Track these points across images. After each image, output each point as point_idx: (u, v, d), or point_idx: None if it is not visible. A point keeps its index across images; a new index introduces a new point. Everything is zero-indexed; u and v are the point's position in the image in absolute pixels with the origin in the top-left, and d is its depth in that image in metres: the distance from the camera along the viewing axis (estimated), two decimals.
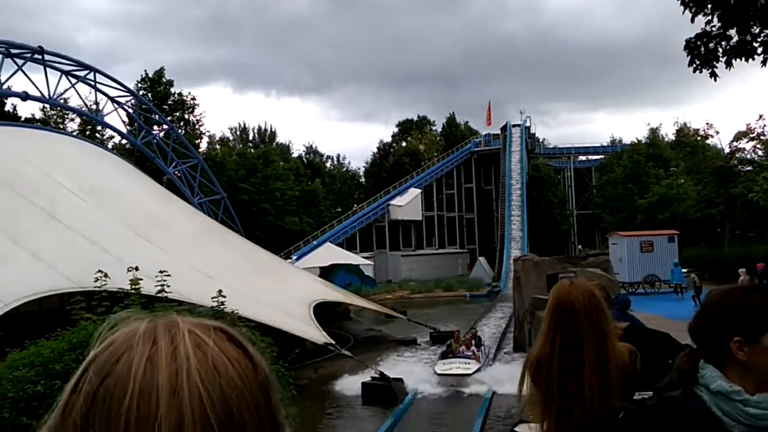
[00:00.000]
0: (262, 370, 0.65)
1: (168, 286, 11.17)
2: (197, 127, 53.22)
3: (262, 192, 48.95)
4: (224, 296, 11.43)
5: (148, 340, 0.63)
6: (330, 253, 46.74)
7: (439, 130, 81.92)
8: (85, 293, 11.36)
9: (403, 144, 76.09)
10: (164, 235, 21.46)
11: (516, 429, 2.85)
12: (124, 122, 35.81)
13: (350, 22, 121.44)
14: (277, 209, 49.94)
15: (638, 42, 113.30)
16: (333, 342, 18.93)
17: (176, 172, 34.84)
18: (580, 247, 62.01)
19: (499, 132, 68.18)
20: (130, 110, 35.40)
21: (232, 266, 21.68)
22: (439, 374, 18.37)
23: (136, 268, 10.82)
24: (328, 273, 41.04)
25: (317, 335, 18.91)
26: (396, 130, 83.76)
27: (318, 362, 20.93)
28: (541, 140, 75.08)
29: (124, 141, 41.26)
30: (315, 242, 51.16)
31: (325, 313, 26.14)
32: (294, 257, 45.57)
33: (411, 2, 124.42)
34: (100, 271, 10.40)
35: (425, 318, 30.76)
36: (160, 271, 11.31)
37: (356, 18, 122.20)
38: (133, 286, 10.42)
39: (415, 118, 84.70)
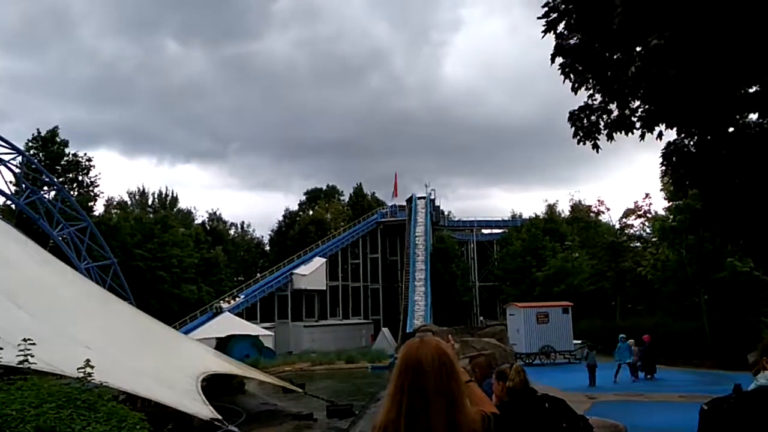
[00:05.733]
0: None
1: (32, 356, 10.50)
2: (92, 189, 50.95)
3: (158, 258, 46.99)
4: (92, 366, 10.49)
5: None
6: (228, 324, 45.06)
7: (347, 200, 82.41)
8: None
9: (310, 212, 75.81)
10: (40, 301, 19.86)
11: None
12: (9, 182, 33.78)
13: (246, 92, 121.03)
14: (174, 277, 47.98)
15: (530, 124, 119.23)
16: (220, 417, 17.75)
17: (63, 236, 32.92)
18: (481, 318, 62.79)
19: (405, 203, 69.23)
20: (17, 170, 33.41)
21: (114, 335, 20.30)
22: None
23: None
24: (225, 344, 39.50)
25: (203, 410, 17.70)
26: (304, 198, 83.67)
27: None
28: (446, 213, 76.74)
29: (10, 201, 38.86)
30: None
31: (218, 386, 24.79)
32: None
33: (308, 75, 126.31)
34: None
35: (324, 391, 29.82)
36: (24, 339, 10.48)
37: (252, 87, 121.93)
38: None
39: (324, 188, 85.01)
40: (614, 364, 24.66)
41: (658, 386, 22.67)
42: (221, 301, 48.28)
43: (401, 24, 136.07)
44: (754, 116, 10.15)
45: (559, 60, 8.98)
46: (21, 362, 10.35)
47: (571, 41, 8.83)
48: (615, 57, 8.87)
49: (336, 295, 65.20)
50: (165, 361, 20.68)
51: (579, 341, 32.62)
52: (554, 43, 8.92)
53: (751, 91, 9.27)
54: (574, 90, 9.30)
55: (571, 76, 8.99)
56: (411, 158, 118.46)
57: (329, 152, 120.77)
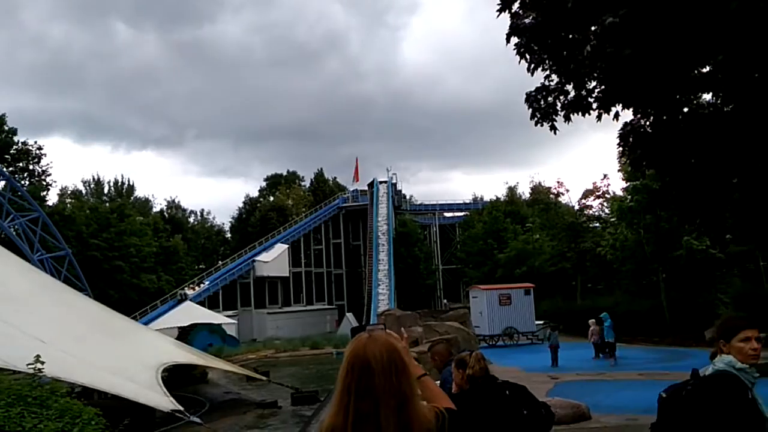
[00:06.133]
0: None
1: None
2: (44, 178, 49.50)
3: (115, 248, 46.02)
4: (42, 362, 10.15)
5: None
6: (190, 313, 44.44)
7: (308, 185, 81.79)
8: None
9: (271, 199, 75.03)
10: None
11: None
12: None
13: (201, 77, 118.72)
14: (133, 266, 47.10)
15: (489, 107, 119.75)
16: (181, 408, 17.43)
17: (15, 227, 31.93)
18: (445, 301, 63.16)
19: (366, 188, 69.02)
20: None
21: (70, 328, 19.74)
22: None
23: None
24: (187, 333, 38.92)
25: (163, 401, 17.37)
26: (264, 184, 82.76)
27: (166, 431, 19.28)
28: (407, 197, 76.72)
29: None
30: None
31: (180, 376, 24.36)
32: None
33: (264, 60, 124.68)
34: None
35: (289, 378, 29.64)
36: None
37: (207, 72, 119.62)
38: None
39: (285, 173, 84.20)
40: (587, 344, 24.99)
41: (619, 365, 23.02)
42: (186, 288, 47.65)
43: (357, 7, 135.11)
44: (707, 96, 10.21)
45: (514, 40, 8.87)
46: None
47: (527, 20, 8.72)
48: (570, 36, 8.79)
49: (299, 282, 64.86)
50: (123, 352, 20.21)
51: (541, 322, 33.01)
52: (509, 22, 8.81)
53: (704, 71, 9.29)
54: (531, 71, 9.20)
55: (527, 56, 8.88)
56: (371, 143, 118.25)
57: (289, 137, 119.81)
